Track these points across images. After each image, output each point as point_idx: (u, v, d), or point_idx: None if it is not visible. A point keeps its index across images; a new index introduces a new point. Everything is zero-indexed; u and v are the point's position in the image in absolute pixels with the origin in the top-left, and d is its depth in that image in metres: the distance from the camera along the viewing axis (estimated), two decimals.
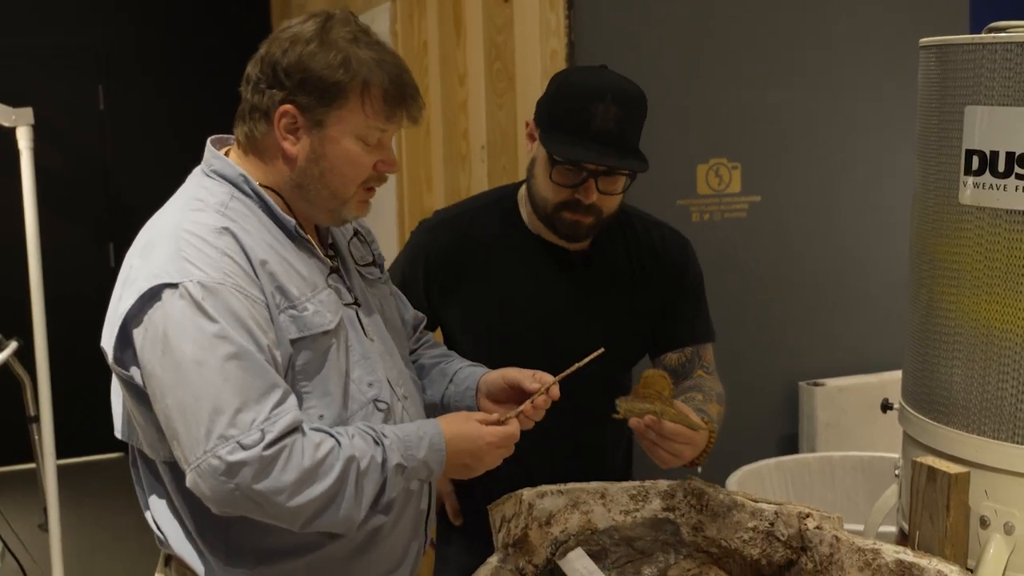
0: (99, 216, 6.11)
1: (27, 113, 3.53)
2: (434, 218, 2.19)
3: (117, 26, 6.05)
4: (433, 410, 1.80)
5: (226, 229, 1.50)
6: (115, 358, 1.49)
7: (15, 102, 3.58)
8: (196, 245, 1.47)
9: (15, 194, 3.61)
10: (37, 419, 3.67)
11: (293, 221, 1.59)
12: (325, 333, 1.56)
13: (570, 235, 2.00)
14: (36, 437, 3.72)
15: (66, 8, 5.94)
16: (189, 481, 1.43)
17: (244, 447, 1.39)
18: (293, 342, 1.52)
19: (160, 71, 6.13)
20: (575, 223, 1.96)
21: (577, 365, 1.72)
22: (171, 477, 1.54)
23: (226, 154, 1.62)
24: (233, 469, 1.39)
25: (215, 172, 1.59)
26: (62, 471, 3.70)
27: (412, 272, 2.11)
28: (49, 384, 3.58)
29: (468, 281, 2.09)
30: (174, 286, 1.43)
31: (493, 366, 1.91)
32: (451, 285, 2.09)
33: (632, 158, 1.92)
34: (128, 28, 6.07)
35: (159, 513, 1.58)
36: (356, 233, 1.79)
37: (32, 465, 3.83)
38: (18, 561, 3.64)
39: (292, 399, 1.46)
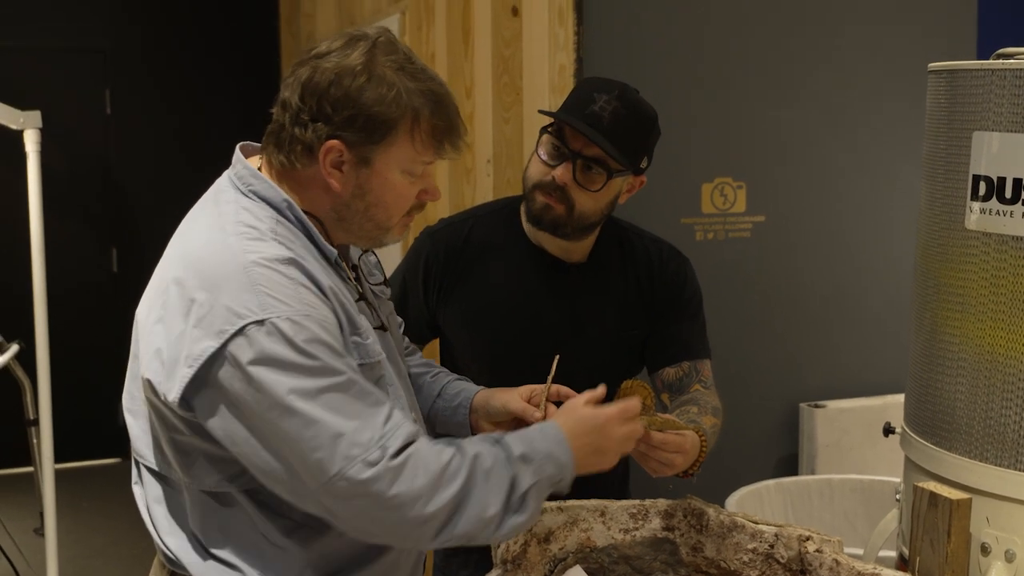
0: (103, 220, 6.12)
1: (35, 116, 3.55)
2: (438, 224, 2.20)
3: (125, 31, 6.07)
4: None
5: (292, 260, 1.45)
6: (181, 399, 1.41)
7: (23, 105, 3.59)
8: (271, 278, 1.41)
9: (20, 196, 3.62)
10: (36, 423, 3.67)
11: (335, 252, 1.55)
12: (379, 362, 1.55)
13: (538, 218, 1.99)
14: (35, 441, 3.72)
15: (74, 12, 5.96)
16: (313, 508, 1.41)
17: (371, 464, 1.37)
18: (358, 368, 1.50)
19: (167, 76, 6.15)
20: (545, 206, 1.96)
21: (550, 379, 1.74)
22: (209, 506, 1.51)
23: (258, 169, 1.56)
24: (366, 485, 1.37)
25: (254, 193, 1.53)
26: (59, 475, 3.70)
27: (413, 276, 2.12)
28: (49, 388, 3.58)
29: (466, 287, 2.09)
30: (260, 323, 1.37)
31: (489, 373, 1.91)
32: (450, 290, 2.10)
33: (614, 147, 1.91)
34: (136, 33, 6.09)
35: (176, 544, 1.54)
36: (368, 249, 1.76)
37: (29, 468, 3.83)
38: (13, 565, 3.63)
39: (399, 412, 1.44)
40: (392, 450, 1.38)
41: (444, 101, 1.52)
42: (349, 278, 1.59)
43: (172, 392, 1.41)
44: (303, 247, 1.50)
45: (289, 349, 1.37)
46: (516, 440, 1.49)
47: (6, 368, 3.63)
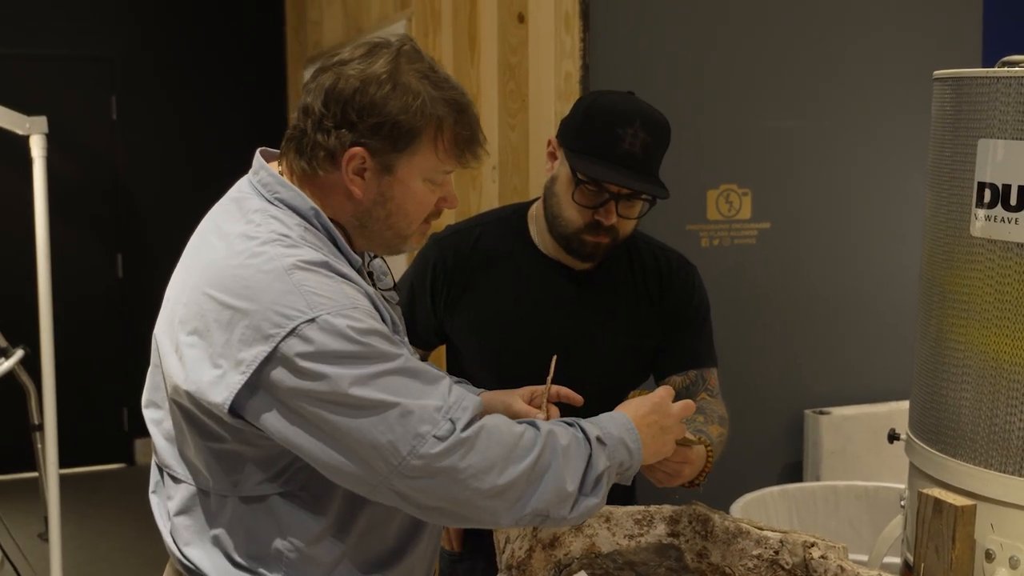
0: (109, 226, 6.13)
1: (41, 122, 3.56)
2: (445, 231, 2.20)
3: (131, 37, 6.09)
4: None
5: (326, 263, 1.46)
6: (232, 407, 1.40)
7: (29, 111, 3.61)
8: (312, 278, 1.42)
9: (27, 202, 3.63)
10: (41, 428, 3.68)
11: (360, 260, 1.56)
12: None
13: (587, 256, 2.02)
14: (39, 446, 3.72)
15: (81, 19, 5.98)
16: (386, 497, 1.41)
17: (441, 438, 1.38)
18: None
19: (173, 83, 6.16)
20: (595, 244, 1.99)
21: (549, 380, 1.75)
22: (239, 512, 1.50)
23: (280, 174, 1.56)
24: (440, 458, 1.37)
25: (281, 201, 1.53)
26: (64, 480, 3.70)
27: (420, 284, 2.12)
28: (54, 393, 3.59)
29: (473, 294, 2.10)
30: (311, 321, 1.38)
31: (497, 380, 1.91)
32: (457, 297, 2.10)
33: (655, 184, 1.94)
34: (142, 40, 6.11)
35: (203, 551, 1.53)
36: (376, 255, 1.77)
37: (34, 474, 3.83)
38: (17, 571, 3.64)
39: (457, 386, 1.46)
40: (463, 422, 1.40)
41: (467, 110, 1.53)
42: (370, 284, 1.60)
43: (221, 398, 1.40)
44: (331, 254, 1.51)
45: (344, 342, 1.38)
46: (589, 424, 1.52)
47: (11, 373, 3.63)
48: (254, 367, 1.38)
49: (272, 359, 1.38)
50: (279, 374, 1.38)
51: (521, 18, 3.11)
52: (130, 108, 6.10)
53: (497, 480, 1.40)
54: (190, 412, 1.46)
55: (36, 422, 3.75)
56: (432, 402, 1.39)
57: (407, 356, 1.43)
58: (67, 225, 5.67)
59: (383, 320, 1.48)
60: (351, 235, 1.57)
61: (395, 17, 4.12)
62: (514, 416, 1.77)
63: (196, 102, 6.19)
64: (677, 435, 1.63)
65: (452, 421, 1.39)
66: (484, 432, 1.41)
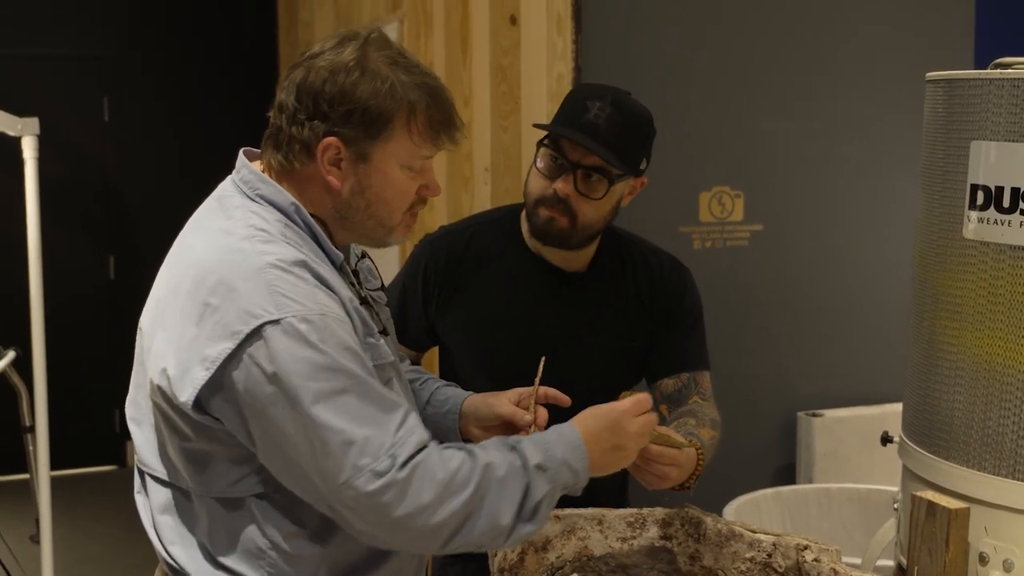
0: (100, 228, 6.12)
1: (33, 123, 3.55)
2: (437, 232, 2.20)
3: (123, 39, 6.07)
4: None
5: (303, 262, 1.45)
6: (196, 403, 1.40)
7: (21, 112, 3.59)
8: (285, 279, 1.41)
9: (18, 203, 3.61)
10: (32, 429, 3.66)
11: (341, 256, 1.56)
12: (390, 364, 1.55)
13: (543, 232, 1.99)
14: (30, 447, 3.71)
15: (73, 20, 5.96)
16: (326, 511, 1.41)
17: (379, 474, 1.36)
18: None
19: (165, 84, 6.15)
20: (549, 219, 1.96)
21: (537, 381, 1.74)
22: (218, 513, 1.50)
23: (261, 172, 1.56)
24: (373, 497, 1.37)
25: (261, 197, 1.53)
26: (55, 482, 3.69)
27: (412, 284, 2.11)
28: (46, 395, 3.57)
29: (465, 295, 2.09)
30: (275, 322, 1.37)
31: (489, 381, 1.90)
32: (449, 298, 2.10)
33: (612, 154, 1.91)
34: (134, 41, 6.09)
35: (182, 553, 1.53)
36: (365, 254, 1.76)
37: (25, 476, 3.82)
38: (8, 573, 3.63)
39: (413, 416, 1.43)
40: (402, 459, 1.38)
41: (440, 94, 1.52)
42: (353, 282, 1.59)
43: (186, 395, 1.40)
44: (311, 251, 1.51)
45: (305, 347, 1.37)
46: (532, 447, 1.48)
47: (2, 375, 3.62)
48: (218, 364, 1.38)
49: (235, 357, 1.37)
50: (240, 373, 1.38)
51: (513, 20, 3.11)
52: (122, 109, 6.09)
53: (430, 520, 1.39)
54: (164, 410, 1.47)
55: (27, 424, 3.74)
56: (378, 435, 1.38)
57: (366, 376, 1.41)
58: (58, 226, 5.65)
59: (355, 329, 1.46)
60: (332, 230, 1.56)
61: (387, 19, 4.11)
62: (500, 419, 1.76)
63: (188, 103, 6.18)
64: (635, 451, 1.59)
65: (394, 457, 1.38)
66: (419, 471, 1.38)
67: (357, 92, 1.46)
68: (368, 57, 1.48)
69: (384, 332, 1.63)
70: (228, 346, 1.38)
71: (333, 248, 1.54)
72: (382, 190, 1.52)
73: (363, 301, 1.60)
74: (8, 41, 5.81)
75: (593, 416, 1.55)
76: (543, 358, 1.76)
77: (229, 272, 1.42)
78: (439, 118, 1.51)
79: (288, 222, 1.51)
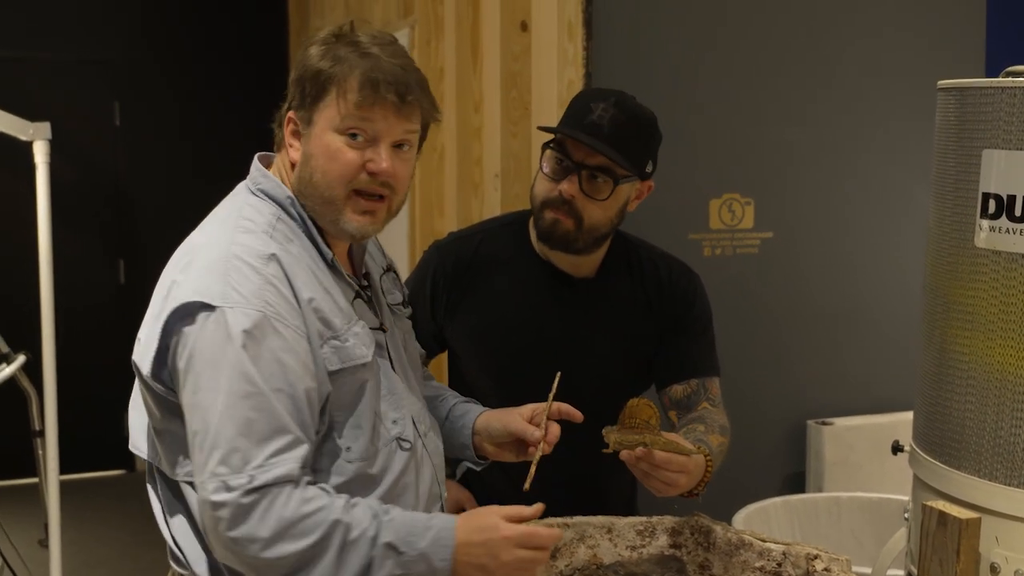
0: (111, 232, 6.13)
1: (44, 128, 3.56)
2: (446, 238, 2.20)
3: (134, 43, 6.08)
4: None
5: (273, 256, 1.49)
6: (152, 373, 1.48)
7: (33, 116, 3.60)
8: (242, 270, 1.45)
9: (29, 207, 3.62)
10: (42, 433, 3.67)
11: (331, 253, 1.58)
12: (363, 365, 1.54)
13: (549, 234, 1.99)
14: (40, 451, 3.71)
15: (85, 24, 5.98)
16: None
17: (228, 489, 1.38)
18: (333, 374, 1.50)
19: (176, 88, 6.16)
20: (554, 221, 1.96)
21: (551, 396, 1.73)
22: (193, 496, 1.53)
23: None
24: (214, 507, 1.39)
25: (262, 191, 1.58)
26: (64, 486, 3.69)
27: (420, 289, 2.11)
28: (55, 399, 3.58)
29: (473, 299, 2.09)
30: (211, 308, 1.42)
31: (496, 386, 1.89)
32: (456, 304, 2.10)
33: (615, 152, 1.91)
34: (145, 45, 6.11)
35: (180, 533, 1.56)
36: (390, 268, 1.78)
37: (34, 479, 3.82)
38: None
39: (301, 450, 1.43)
40: (256, 483, 1.38)
41: (380, 62, 1.53)
42: (346, 276, 1.61)
43: (146, 366, 1.47)
44: (301, 246, 1.54)
45: (226, 342, 1.41)
46: (397, 525, 1.44)
47: (13, 379, 3.63)
48: (159, 335, 1.45)
49: (176, 331, 1.44)
50: (176, 347, 1.44)
51: (524, 26, 3.11)
52: (133, 114, 6.10)
53: (260, 554, 1.39)
54: (140, 386, 1.54)
55: (37, 428, 3.74)
56: (249, 451, 1.39)
57: (269, 391, 1.41)
58: (69, 231, 5.66)
59: (307, 331, 1.48)
60: (316, 220, 1.58)
61: (398, 24, 4.12)
62: (511, 435, 1.76)
63: (199, 108, 6.19)
64: (504, 570, 1.46)
65: (251, 478, 1.38)
66: (265, 503, 1.39)
67: (305, 62, 1.54)
68: (334, 35, 1.56)
69: (382, 328, 1.64)
70: (172, 320, 1.44)
71: (324, 243, 1.57)
72: (319, 156, 1.54)
73: (358, 295, 1.61)
74: (20, 45, 5.83)
75: (478, 525, 1.47)
76: (559, 373, 1.74)
77: (199, 255, 1.49)
78: (369, 78, 1.51)
79: (283, 215, 1.56)
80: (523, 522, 1.48)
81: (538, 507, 1.50)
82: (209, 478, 1.39)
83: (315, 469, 1.50)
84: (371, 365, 1.56)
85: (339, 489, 1.49)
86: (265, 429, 1.40)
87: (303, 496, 1.41)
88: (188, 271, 1.47)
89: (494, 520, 1.47)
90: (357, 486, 1.52)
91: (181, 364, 1.44)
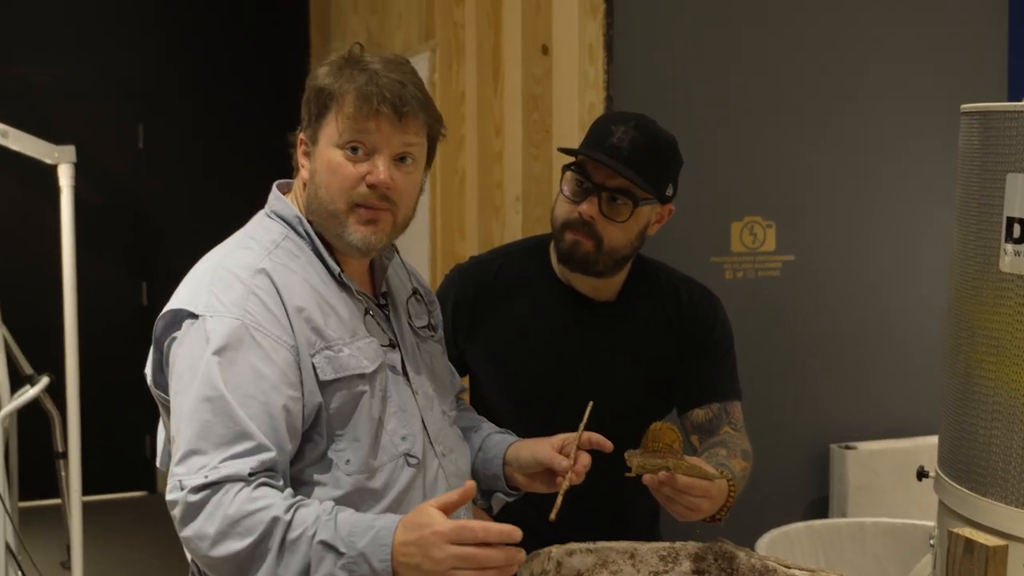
0: (134, 254, 6.17)
1: (69, 151, 3.59)
2: (467, 262, 2.21)
3: (158, 67, 6.13)
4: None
5: (263, 270, 1.54)
6: (153, 381, 1.57)
7: (58, 140, 3.64)
8: (226, 280, 1.52)
9: (53, 230, 3.65)
10: (65, 455, 3.69)
11: (338, 269, 1.61)
12: (361, 376, 1.55)
13: (568, 256, 1.98)
14: (63, 473, 3.73)
15: (109, 48, 6.03)
16: None
17: (181, 488, 1.43)
18: (326, 384, 1.52)
19: (200, 112, 6.21)
20: (574, 243, 1.96)
21: (582, 426, 1.71)
22: None
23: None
24: (171, 507, 1.45)
25: (275, 213, 1.65)
26: (87, 508, 3.71)
27: (441, 314, 2.11)
28: (78, 420, 3.60)
29: (493, 323, 2.09)
30: (194, 316, 1.49)
31: (516, 409, 1.88)
32: (477, 327, 2.10)
33: (635, 174, 1.91)
34: (169, 69, 6.16)
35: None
36: (415, 292, 1.79)
37: (57, 501, 3.84)
38: None
39: (263, 455, 1.43)
40: (207, 482, 1.41)
41: (378, 77, 1.55)
42: (355, 292, 1.63)
43: (148, 376, 1.58)
44: (307, 262, 1.59)
45: (203, 347, 1.46)
46: (342, 524, 1.41)
47: (36, 400, 3.65)
48: (154, 341, 1.55)
49: (165, 339, 1.54)
50: (166, 354, 1.53)
51: (545, 49, 3.12)
52: (157, 137, 6.15)
53: (209, 551, 1.41)
54: (154, 398, 1.62)
55: (60, 449, 3.76)
56: (207, 453, 1.43)
57: (233, 401, 1.44)
58: (93, 253, 5.70)
59: (295, 340, 1.51)
60: (324, 235, 1.62)
61: (419, 48, 4.14)
62: (540, 465, 1.75)
63: (222, 131, 6.23)
64: (434, 566, 1.36)
65: (205, 478, 1.42)
66: (213, 501, 1.41)
67: (311, 83, 1.59)
68: (337, 60, 1.59)
69: (392, 345, 1.65)
70: (162, 328, 1.54)
71: (332, 262, 1.61)
72: (322, 171, 1.58)
73: (367, 311, 1.63)
74: (44, 69, 5.88)
75: (415, 522, 1.39)
76: (591, 403, 1.73)
77: (196, 269, 1.58)
78: (365, 92, 1.54)
79: (291, 234, 1.61)
80: (457, 509, 1.42)
81: (469, 486, 1.43)
82: (170, 478, 1.45)
83: (313, 481, 1.52)
84: (372, 378, 1.57)
85: (339, 502, 1.49)
86: (224, 433, 1.44)
87: (249, 495, 1.41)
88: (183, 284, 1.56)
89: (428, 515, 1.38)
90: (357, 499, 1.53)
91: (167, 370, 1.52)
